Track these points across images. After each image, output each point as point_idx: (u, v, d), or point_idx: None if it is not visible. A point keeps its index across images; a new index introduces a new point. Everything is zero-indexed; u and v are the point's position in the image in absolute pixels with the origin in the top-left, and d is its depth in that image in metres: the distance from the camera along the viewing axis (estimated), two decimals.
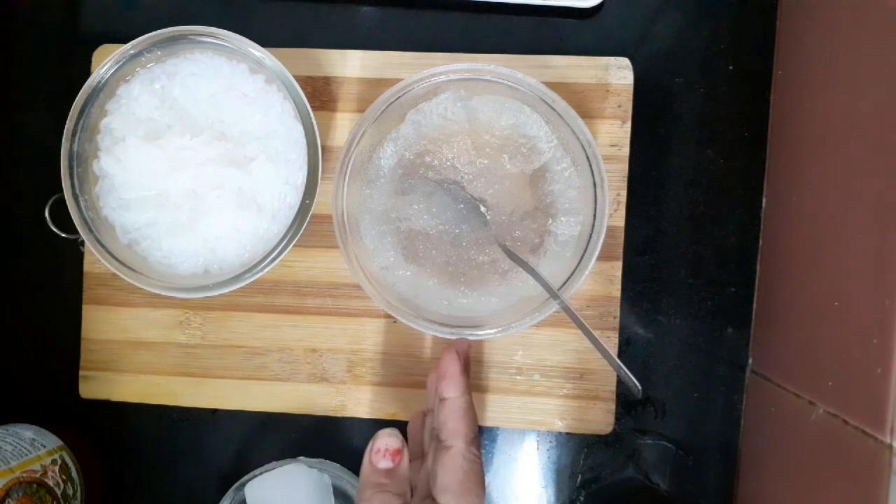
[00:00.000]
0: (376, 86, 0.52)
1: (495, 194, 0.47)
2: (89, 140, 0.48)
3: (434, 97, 0.47)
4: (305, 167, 0.47)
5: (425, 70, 0.45)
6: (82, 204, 0.47)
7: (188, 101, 0.48)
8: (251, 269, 0.46)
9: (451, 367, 0.40)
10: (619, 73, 0.51)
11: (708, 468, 0.53)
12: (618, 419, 0.53)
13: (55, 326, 0.55)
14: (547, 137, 0.47)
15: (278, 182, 0.47)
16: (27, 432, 0.50)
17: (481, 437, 0.53)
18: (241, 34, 0.47)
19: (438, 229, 0.48)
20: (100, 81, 0.47)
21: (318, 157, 0.46)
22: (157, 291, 0.47)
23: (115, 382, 0.54)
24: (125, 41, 0.51)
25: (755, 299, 0.52)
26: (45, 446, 0.50)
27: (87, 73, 0.54)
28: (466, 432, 0.38)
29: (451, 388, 0.40)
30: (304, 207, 0.46)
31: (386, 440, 0.40)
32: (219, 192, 0.47)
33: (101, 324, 0.54)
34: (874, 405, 0.36)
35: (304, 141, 0.47)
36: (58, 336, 0.55)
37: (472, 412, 0.39)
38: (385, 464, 0.39)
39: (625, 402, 0.53)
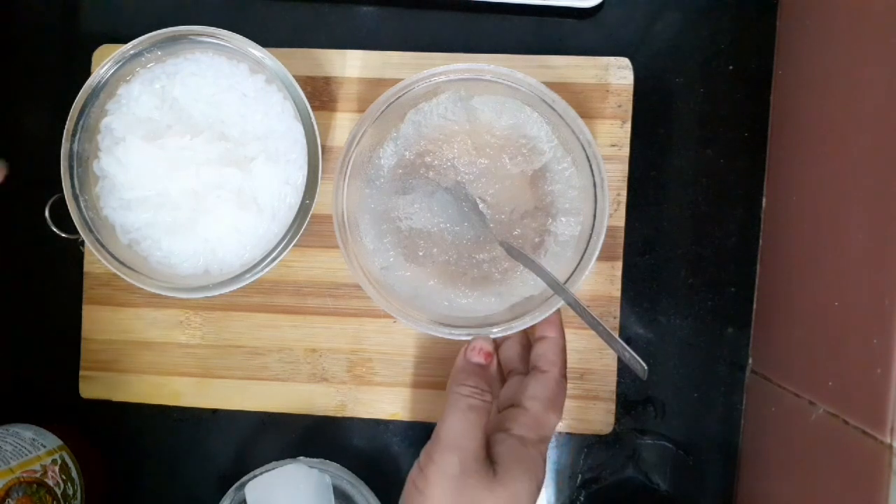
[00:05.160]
0: (376, 86, 0.52)
1: (496, 194, 0.47)
2: (89, 140, 0.48)
3: (434, 97, 0.47)
4: (305, 167, 0.46)
5: (425, 70, 0.45)
6: (82, 204, 0.47)
7: (188, 101, 0.48)
8: (251, 269, 0.46)
9: (553, 314, 0.45)
10: (619, 73, 0.51)
11: (708, 468, 0.53)
12: (618, 419, 0.53)
13: (55, 326, 0.55)
14: (547, 137, 0.47)
15: (278, 182, 0.47)
16: (27, 432, 0.50)
17: None
18: (241, 34, 0.47)
19: (439, 227, 0.48)
20: (100, 81, 0.47)
21: (318, 157, 0.46)
22: (157, 291, 0.47)
23: (115, 382, 0.54)
24: (125, 41, 0.51)
25: (755, 299, 0.52)
26: (45, 446, 0.50)
27: (87, 73, 0.54)
28: (561, 366, 0.44)
29: (552, 329, 0.45)
30: (304, 207, 0.46)
31: (482, 342, 0.43)
32: (219, 192, 0.47)
33: (101, 324, 0.54)
34: (874, 405, 0.36)
35: (304, 141, 0.46)
36: (58, 336, 0.55)
37: (566, 352, 0.45)
38: (479, 359, 0.42)
39: (625, 402, 0.53)
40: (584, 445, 0.53)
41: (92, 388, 0.54)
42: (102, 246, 0.47)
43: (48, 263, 0.56)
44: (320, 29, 0.54)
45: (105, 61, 0.47)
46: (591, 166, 0.44)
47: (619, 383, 0.52)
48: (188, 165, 0.47)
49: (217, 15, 0.55)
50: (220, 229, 0.47)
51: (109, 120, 0.48)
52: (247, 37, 0.47)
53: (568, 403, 0.52)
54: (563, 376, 0.43)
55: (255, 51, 0.46)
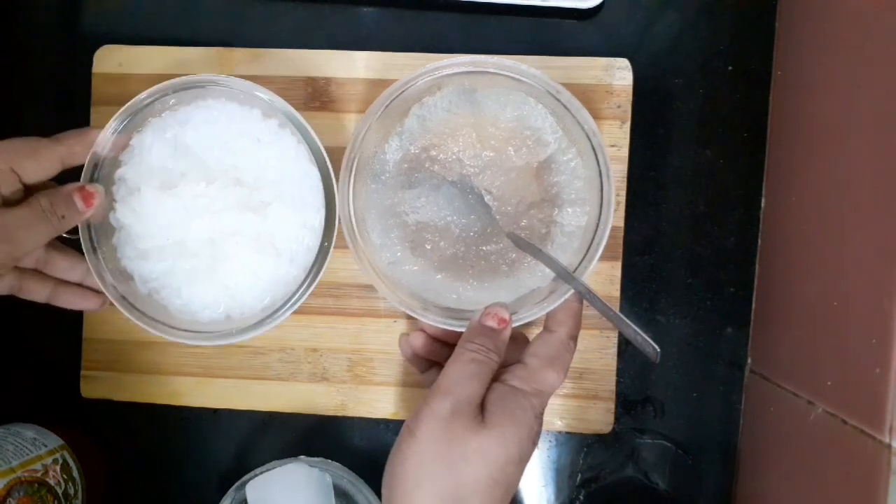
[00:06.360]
0: (377, 86, 0.52)
1: (501, 186, 0.47)
2: (105, 191, 0.47)
3: (438, 91, 0.47)
4: (322, 209, 0.47)
5: (429, 64, 0.45)
6: (101, 256, 0.47)
7: (201, 148, 0.47)
8: (272, 315, 0.47)
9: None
10: (618, 73, 0.51)
11: (707, 468, 0.53)
12: (617, 419, 0.53)
13: (56, 326, 0.55)
14: (552, 129, 0.47)
15: (295, 225, 0.47)
16: (28, 432, 0.50)
17: None
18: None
19: (446, 220, 0.48)
20: (113, 133, 0.46)
21: (334, 200, 0.46)
22: (180, 341, 0.47)
23: (116, 382, 0.54)
24: (125, 41, 0.51)
25: (754, 299, 0.52)
26: (46, 445, 0.50)
27: (88, 74, 0.54)
28: (571, 327, 0.43)
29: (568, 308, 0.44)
30: (322, 250, 0.47)
31: (497, 308, 0.42)
32: (236, 238, 0.47)
33: (102, 324, 0.54)
34: (873, 405, 0.37)
35: (319, 183, 0.47)
36: (59, 336, 0.55)
37: (580, 318, 0.44)
38: (491, 323, 0.42)
39: (624, 401, 0.53)
40: (583, 445, 0.53)
41: (93, 387, 0.54)
42: (124, 298, 0.47)
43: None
44: (320, 29, 0.54)
45: (117, 114, 0.46)
46: (596, 156, 0.44)
47: (618, 383, 0.52)
48: (204, 213, 0.47)
49: (217, 16, 0.54)
50: (240, 275, 0.47)
51: (123, 171, 0.47)
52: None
53: (568, 403, 0.52)
54: (572, 338, 0.43)
55: (263, 94, 0.46)
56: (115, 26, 0.55)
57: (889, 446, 0.35)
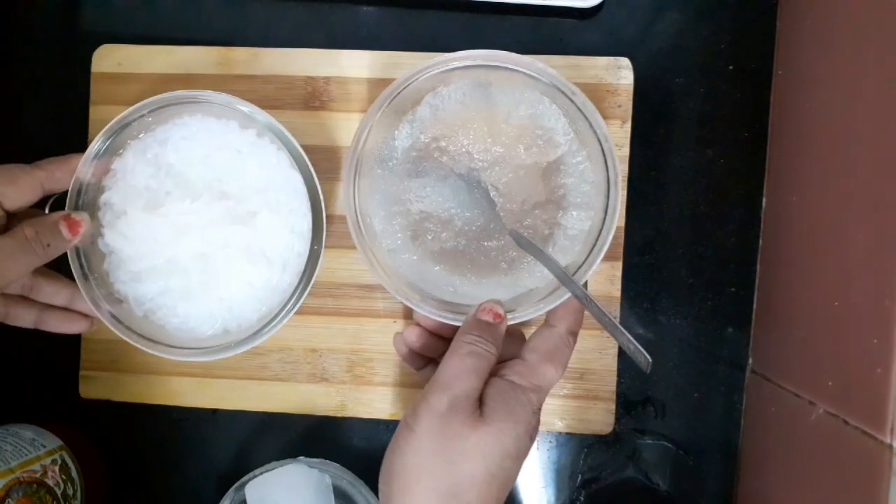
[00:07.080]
0: (377, 85, 0.52)
1: (508, 183, 0.47)
2: (90, 218, 0.47)
3: (452, 83, 0.47)
4: (309, 214, 0.47)
5: (441, 56, 0.45)
6: (93, 282, 0.47)
7: (183, 165, 0.47)
8: (269, 323, 0.47)
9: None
10: (619, 73, 0.51)
11: (708, 468, 0.53)
12: (618, 419, 0.53)
13: None
14: (564, 130, 0.47)
15: (284, 232, 0.48)
16: (27, 432, 0.50)
17: None
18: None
19: (450, 213, 0.47)
20: (94, 156, 0.47)
21: (320, 203, 0.46)
22: (180, 359, 0.47)
23: (115, 382, 0.54)
24: (125, 41, 0.51)
25: (755, 299, 0.52)
26: (45, 446, 0.50)
27: (87, 74, 0.54)
28: (571, 323, 0.43)
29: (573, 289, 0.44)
30: (313, 254, 0.47)
31: (493, 304, 0.43)
32: (227, 250, 0.47)
33: (101, 324, 0.54)
34: (874, 405, 0.37)
35: (303, 188, 0.47)
36: (58, 336, 0.55)
37: (581, 315, 0.44)
38: (487, 317, 0.42)
39: (625, 402, 0.53)
40: (584, 445, 0.53)
41: (92, 388, 0.54)
42: (120, 322, 0.47)
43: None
44: (320, 29, 0.54)
45: (96, 138, 0.46)
46: (606, 161, 0.44)
47: (619, 383, 0.52)
48: (193, 229, 0.47)
49: (217, 15, 0.54)
50: (234, 287, 0.48)
51: (108, 195, 0.48)
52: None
53: (568, 404, 0.52)
54: (571, 334, 0.43)
55: (243, 106, 0.46)
56: (115, 25, 0.55)
57: (890, 447, 0.35)
